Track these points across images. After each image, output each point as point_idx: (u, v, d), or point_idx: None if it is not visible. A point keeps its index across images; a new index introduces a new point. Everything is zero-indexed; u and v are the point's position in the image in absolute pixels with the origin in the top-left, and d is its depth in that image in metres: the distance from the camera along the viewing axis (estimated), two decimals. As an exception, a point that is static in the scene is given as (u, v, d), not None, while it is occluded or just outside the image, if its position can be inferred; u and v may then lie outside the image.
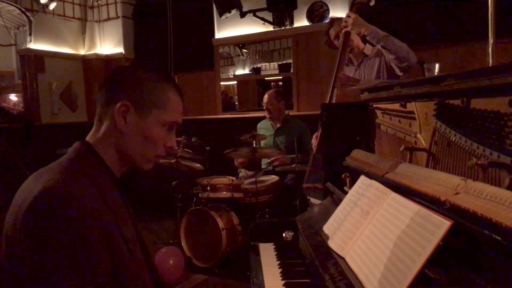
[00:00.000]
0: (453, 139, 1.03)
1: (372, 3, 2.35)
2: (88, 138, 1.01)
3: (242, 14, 4.54)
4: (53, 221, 0.79)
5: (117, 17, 5.72)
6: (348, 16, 2.38)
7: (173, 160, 3.46)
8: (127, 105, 0.97)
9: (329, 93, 2.51)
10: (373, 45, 2.56)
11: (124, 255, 0.90)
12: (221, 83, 5.20)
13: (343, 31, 2.43)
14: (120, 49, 5.73)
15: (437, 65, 1.68)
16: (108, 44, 5.84)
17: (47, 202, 0.81)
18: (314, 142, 2.62)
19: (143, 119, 0.99)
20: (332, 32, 2.64)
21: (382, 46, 2.26)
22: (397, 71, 2.34)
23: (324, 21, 4.32)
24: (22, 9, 5.02)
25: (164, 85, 1.02)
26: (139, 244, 1.02)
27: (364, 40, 2.60)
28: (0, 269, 0.86)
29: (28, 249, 0.79)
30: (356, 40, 2.59)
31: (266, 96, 3.74)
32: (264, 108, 3.75)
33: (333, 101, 2.44)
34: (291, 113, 4.03)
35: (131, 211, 1.05)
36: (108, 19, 5.79)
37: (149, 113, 0.99)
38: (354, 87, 1.90)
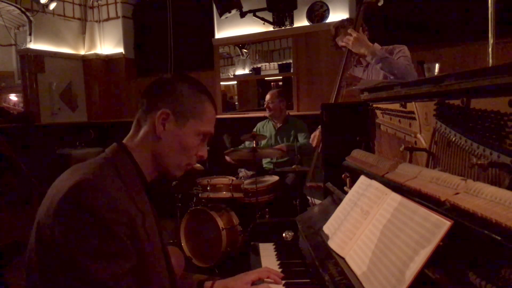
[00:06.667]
0: (453, 139, 1.03)
1: (380, 3, 2.34)
2: (125, 140, 1.06)
3: (242, 14, 4.53)
4: (82, 212, 0.85)
5: (117, 17, 5.73)
6: (349, 34, 2.35)
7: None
8: (168, 113, 1.02)
9: (334, 92, 2.51)
10: (381, 45, 2.56)
11: (147, 253, 0.94)
12: (221, 83, 5.20)
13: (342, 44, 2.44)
14: (120, 49, 5.73)
15: (437, 65, 1.68)
16: (108, 44, 5.84)
17: (78, 194, 0.87)
18: (313, 140, 2.61)
19: (181, 128, 1.04)
20: (339, 42, 2.64)
21: (380, 68, 2.28)
22: None
23: (324, 21, 4.32)
24: (22, 9, 5.02)
25: (202, 96, 1.09)
26: (162, 249, 1.05)
27: (372, 40, 2.60)
28: (32, 254, 0.92)
29: (58, 237, 0.85)
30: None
31: (268, 95, 3.79)
32: (265, 106, 3.77)
33: (339, 100, 2.44)
34: (291, 113, 4.04)
35: (157, 217, 1.08)
36: (108, 19, 5.79)
37: (186, 122, 1.05)
38: (357, 87, 1.91)
